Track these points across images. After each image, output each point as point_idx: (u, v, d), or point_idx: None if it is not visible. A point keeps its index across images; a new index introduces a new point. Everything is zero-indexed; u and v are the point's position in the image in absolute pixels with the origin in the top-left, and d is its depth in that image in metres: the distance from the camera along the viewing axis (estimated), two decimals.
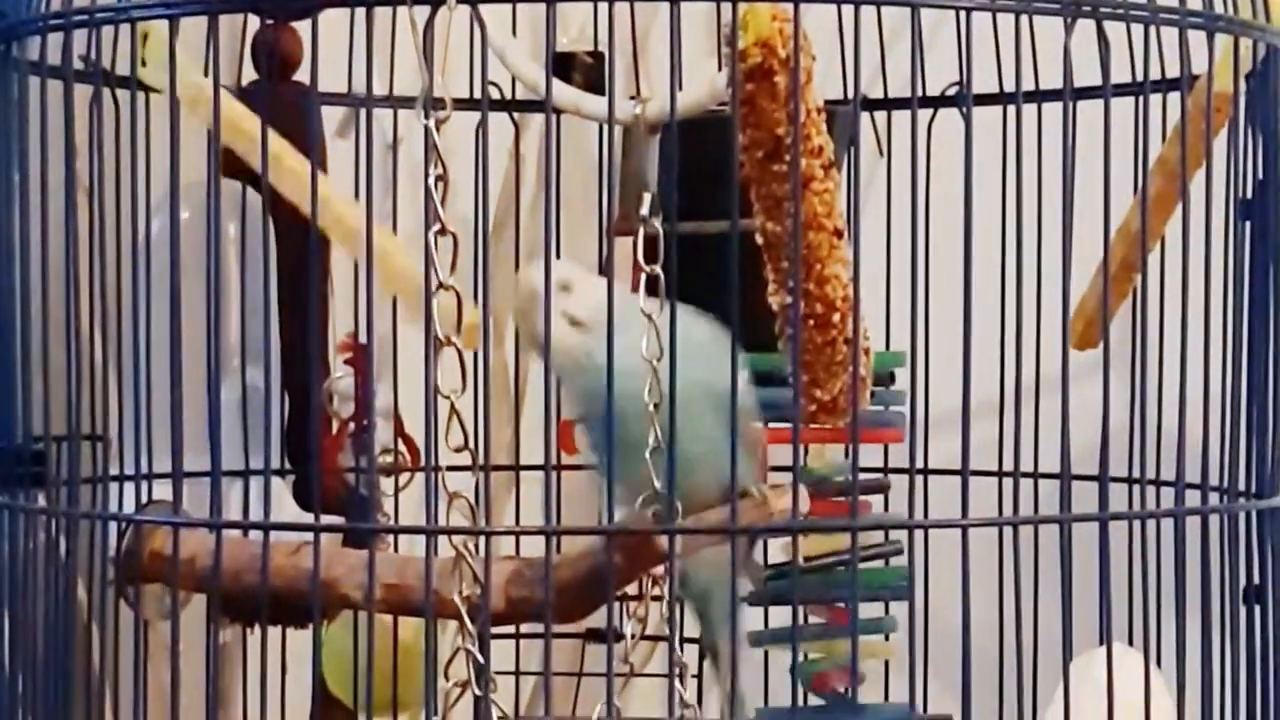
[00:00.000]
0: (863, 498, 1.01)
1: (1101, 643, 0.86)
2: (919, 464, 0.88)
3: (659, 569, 0.86)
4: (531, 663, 1.29)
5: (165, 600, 0.93)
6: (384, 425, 1.15)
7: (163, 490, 0.88)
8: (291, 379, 1.10)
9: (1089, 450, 0.86)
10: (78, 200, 0.90)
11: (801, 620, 1.01)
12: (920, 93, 0.86)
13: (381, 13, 0.80)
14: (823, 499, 1.00)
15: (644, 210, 0.85)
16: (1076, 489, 0.86)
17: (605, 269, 0.98)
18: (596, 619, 0.86)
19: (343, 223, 0.96)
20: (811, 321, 0.87)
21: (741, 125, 0.85)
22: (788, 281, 0.87)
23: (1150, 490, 0.90)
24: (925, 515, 1.01)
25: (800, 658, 1.01)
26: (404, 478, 1.17)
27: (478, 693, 0.83)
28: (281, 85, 1.16)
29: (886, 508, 1.05)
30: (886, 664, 1.07)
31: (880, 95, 1.23)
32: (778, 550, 1.05)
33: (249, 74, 1.20)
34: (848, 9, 0.81)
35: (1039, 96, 1.07)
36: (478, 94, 0.82)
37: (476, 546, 0.82)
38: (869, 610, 1.00)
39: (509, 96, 1.25)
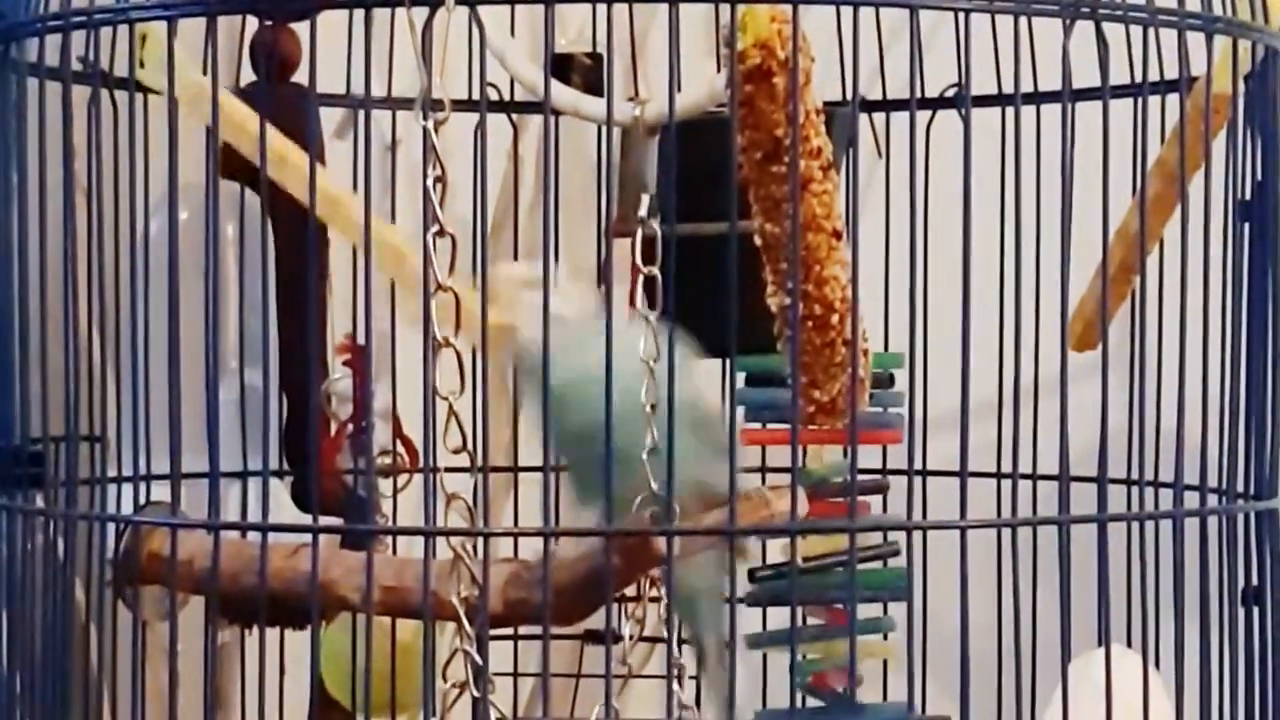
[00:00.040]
0: (861, 498, 1.01)
1: (1100, 644, 0.86)
2: (917, 465, 0.88)
3: (657, 570, 0.86)
4: (530, 664, 1.29)
5: (163, 601, 0.93)
6: (382, 426, 1.15)
7: (161, 491, 0.88)
8: (290, 380, 1.10)
9: (1088, 452, 0.86)
10: (76, 201, 0.90)
11: (800, 621, 1.01)
12: (919, 94, 0.86)
13: (380, 14, 0.80)
14: (821, 500, 1.00)
15: (642, 212, 0.85)
16: (1075, 490, 0.86)
17: (604, 271, 0.99)
18: (595, 620, 0.86)
19: (342, 208, 0.96)
20: (810, 323, 0.87)
21: (740, 127, 0.85)
22: (786, 283, 0.87)
23: (1149, 492, 0.90)
24: (924, 516, 1.01)
25: (799, 658, 1.01)
26: (402, 479, 1.17)
27: (476, 694, 0.83)
28: (280, 86, 1.16)
29: (885, 509, 1.05)
30: (885, 665, 1.07)
31: (879, 97, 1.23)
32: (776, 551, 1.05)
33: (247, 75, 1.20)
34: (846, 10, 0.81)
35: (1038, 98, 1.06)
36: (476, 95, 0.82)
37: (475, 548, 0.82)
38: (867, 610, 1.00)
39: (507, 98, 1.25)
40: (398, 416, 1.16)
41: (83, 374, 0.92)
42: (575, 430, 0.83)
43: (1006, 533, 0.90)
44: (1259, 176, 0.98)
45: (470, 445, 0.81)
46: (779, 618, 1.06)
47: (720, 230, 0.80)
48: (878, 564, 1.02)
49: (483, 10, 0.79)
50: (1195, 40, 0.89)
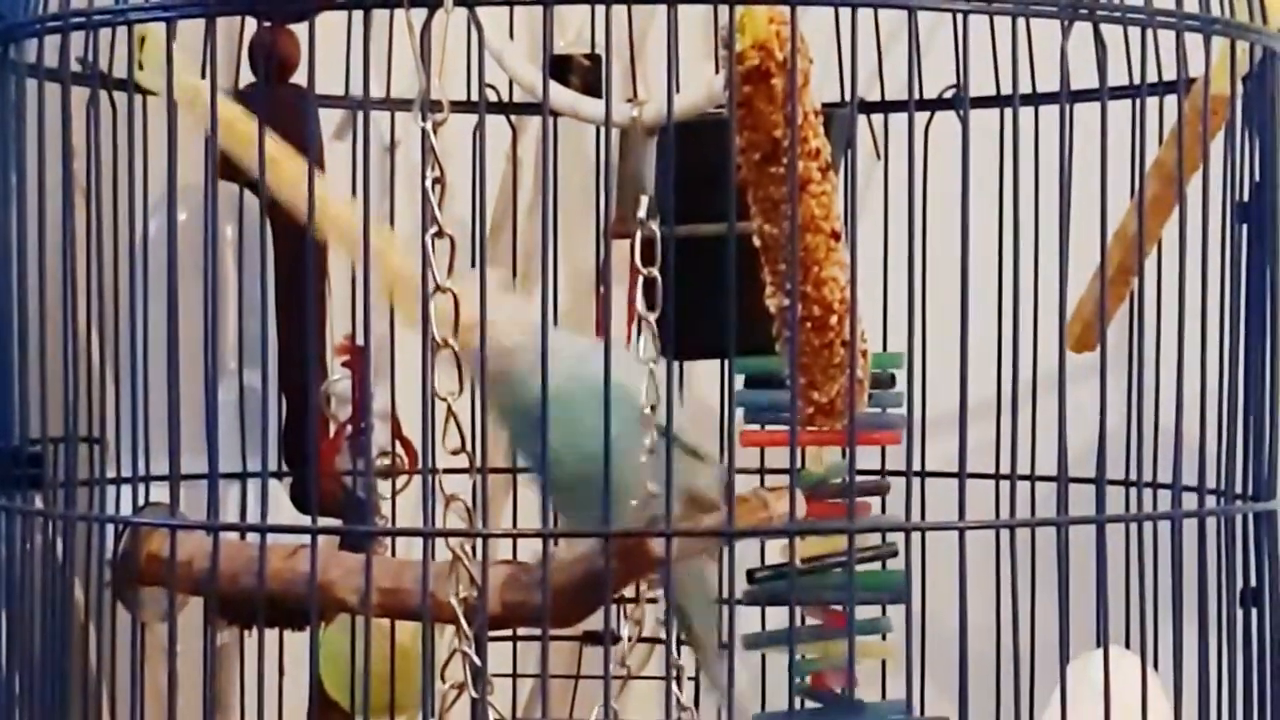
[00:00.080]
0: (860, 499, 1.01)
1: (1098, 645, 0.86)
2: (916, 466, 0.88)
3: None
4: (528, 665, 1.29)
5: (162, 602, 0.93)
6: (381, 427, 1.15)
7: (160, 492, 0.88)
8: (289, 381, 1.10)
9: (1086, 453, 0.86)
10: (75, 202, 0.90)
11: (799, 622, 1.01)
12: (917, 95, 0.86)
13: (379, 15, 0.80)
14: (820, 501, 1.00)
15: (641, 213, 0.85)
16: (1073, 491, 0.86)
17: (603, 272, 0.99)
18: (594, 621, 0.86)
19: (339, 224, 0.96)
20: (809, 324, 0.87)
21: (739, 128, 0.85)
22: (785, 284, 0.87)
23: (1147, 493, 0.90)
24: (922, 517, 1.01)
25: (797, 658, 1.01)
26: (401, 480, 1.17)
27: (474, 695, 0.83)
28: (279, 88, 1.16)
29: (884, 510, 1.05)
30: (884, 665, 1.07)
31: (877, 98, 1.23)
32: (775, 552, 1.05)
33: (246, 76, 1.20)
34: (845, 11, 0.81)
35: (1036, 99, 1.07)
36: (475, 96, 0.82)
37: (473, 549, 0.82)
38: (865, 611, 1.00)
39: (506, 99, 1.25)
40: (397, 417, 1.16)
41: (82, 375, 0.92)
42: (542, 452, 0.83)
43: (1005, 534, 0.91)
44: (1257, 178, 0.98)
45: (469, 446, 0.81)
46: (777, 618, 1.06)
47: (719, 231, 0.80)
48: (876, 565, 1.02)
49: (481, 11, 0.79)
50: (1193, 41, 0.89)
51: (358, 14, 0.80)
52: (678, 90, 0.92)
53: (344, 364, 1.13)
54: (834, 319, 0.87)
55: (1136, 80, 0.91)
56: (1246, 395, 0.96)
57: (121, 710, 0.95)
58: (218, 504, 0.84)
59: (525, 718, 1.30)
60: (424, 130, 0.80)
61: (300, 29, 1.13)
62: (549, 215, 0.81)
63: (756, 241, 0.89)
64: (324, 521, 0.85)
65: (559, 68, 1.19)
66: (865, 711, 1.01)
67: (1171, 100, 1.01)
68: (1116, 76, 0.87)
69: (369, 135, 0.82)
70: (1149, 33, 0.89)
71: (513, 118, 1.28)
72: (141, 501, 0.92)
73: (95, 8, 0.87)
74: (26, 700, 0.94)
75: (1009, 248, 0.90)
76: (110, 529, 0.94)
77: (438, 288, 0.80)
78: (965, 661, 0.84)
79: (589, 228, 1.30)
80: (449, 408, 0.80)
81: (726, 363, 0.83)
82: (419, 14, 0.79)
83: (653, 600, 0.92)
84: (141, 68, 0.94)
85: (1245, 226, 0.98)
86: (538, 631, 0.82)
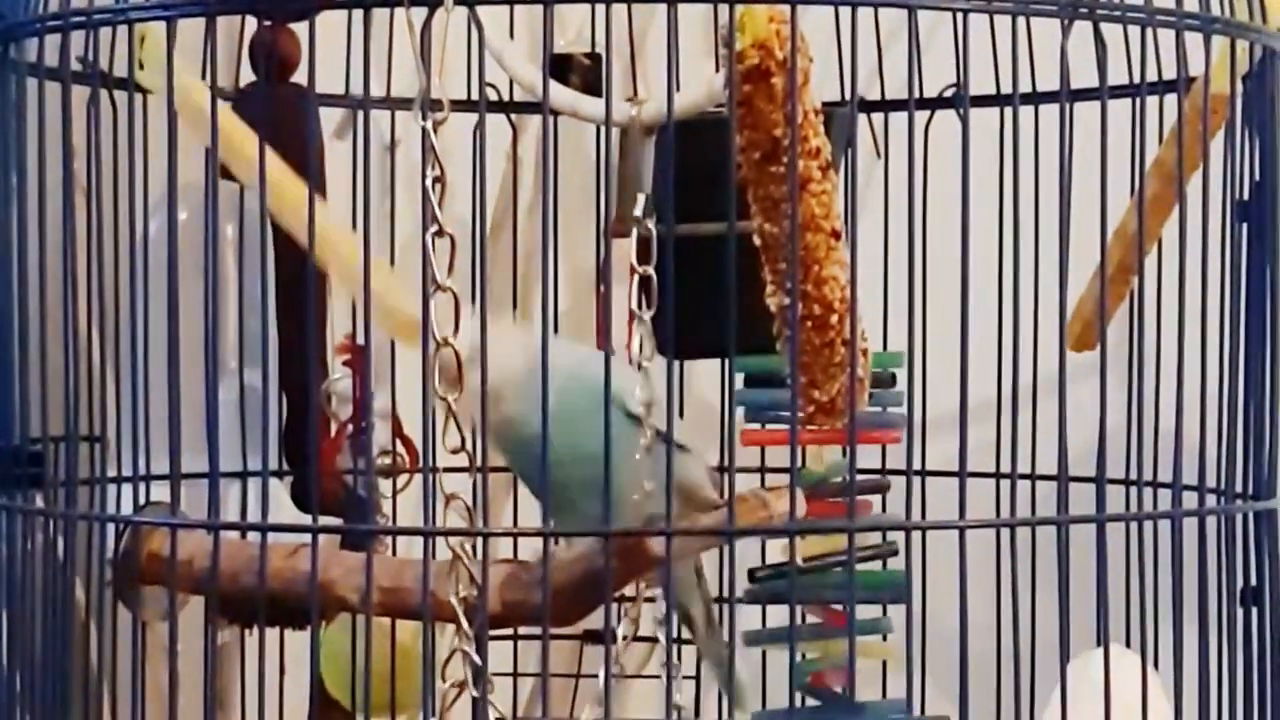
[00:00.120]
0: (861, 498, 1.01)
1: (1098, 644, 0.86)
2: (916, 465, 0.88)
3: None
4: (529, 664, 1.29)
5: (163, 601, 0.93)
6: (382, 427, 1.15)
7: (160, 491, 0.88)
8: (290, 380, 1.10)
9: (1086, 452, 0.86)
10: (75, 201, 0.90)
11: (799, 621, 1.01)
12: (917, 94, 0.86)
13: (379, 14, 0.80)
14: (820, 500, 1.00)
15: (637, 211, 0.85)
16: (1074, 491, 0.86)
17: (602, 271, 0.99)
18: (594, 620, 0.86)
19: (339, 253, 0.94)
20: (809, 323, 0.87)
21: (739, 127, 0.85)
22: (785, 283, 0.87)
23: (1147, 492, 0.90)
24: (923, 516, 1.01)
25: (797, 657, 1.01)
26: (402, 479, 1.17)
27: (475, 694, 0.83)
28: (279, 87, 1.16)
29: (884, 509, 1.05)
30: (884, 665, 1.07)
31: (877, 97, 1.23)
32: (776, 551, 1.05)
33: (247, 75, 1.20)
34: (845, 10, 0.81)
35: (1036, 98, 1.07)
36: (475, 96, 0.83)
37: (474, 548, 0.82)
38: (865, 610, 1.00)
39: (506, 98, 1.25)
40: (397, 416, 1.16)
41: (82, 374, 0.92)
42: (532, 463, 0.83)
43: (1005, 533, 0.91)
44: (1257, 176, 0.98)
45: (469, 445, 0.81)
46: (778, 617, 1.06)
47: (719, 230, 0.80)
48: (877, 564, 1.02)
49: (481, 10, 0.79)
50: (1193, 40, 0.89)
51: (358, 13, 0.80)
52: (678, 89, 0.93)
53: (345, 363, 1.13)
54: (834, 318, 0.87)
55: (1136, 79, 0.91)
56: (1246, 394, 0.96)
57: (122, 709, 0.95)
58: (218, 503, 0.84)
59: (526, 717, 1.30)
60: (424, 129, 0.80)
61: (300, 28, 1.13)
62: (549, 214, 0.81)
63: (757, 240, 0.89)
64: (325, 520, 0.85)
65: (559, 67, 1.19)
66: (865, 711, 1.01)
67: (1171, 99, 1.01)
68: (1116, 75, 0.87)
69: (369, 134, 0.82)
70: (1149, 32, 0.89)
71: (513, 117, 1.28)
72: (142, 500, 0.92)
73: (95, 7, 0.87)
74: (27, 699, 0.94)
75: (1009, 247, 0.90)
76: (111, 528, 0.94)
77: (438, 287, 0.80)
78: (965, 661, 0.84)
79: (589, 227, 1.30)
80: (449, 407, 0.80)
81: (727, 362, 0.83)
82: (419, 13, 0.79)
83: (650, 600, 0.92)
84: (142, 67, 0.94)
85: (1245, 226, 0.98)
86: (538, 630, 0.82)
